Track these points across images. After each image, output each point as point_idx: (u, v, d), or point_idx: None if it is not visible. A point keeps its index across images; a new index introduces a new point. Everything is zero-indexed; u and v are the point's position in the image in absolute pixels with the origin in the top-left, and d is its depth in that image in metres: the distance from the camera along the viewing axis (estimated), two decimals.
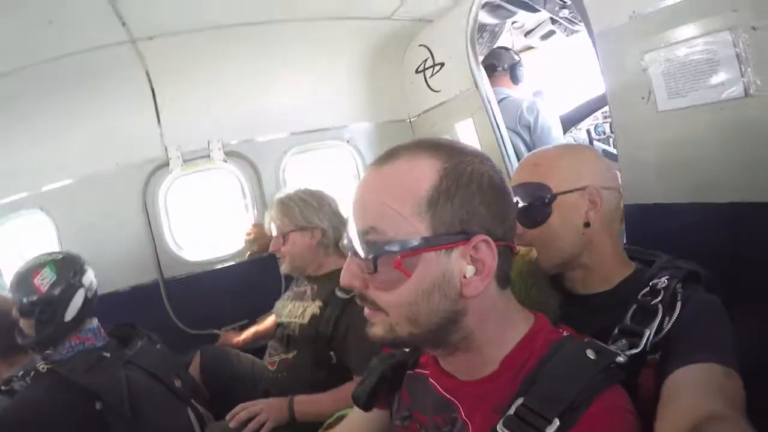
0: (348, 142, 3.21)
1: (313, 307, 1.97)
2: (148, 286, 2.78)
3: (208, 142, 2.88)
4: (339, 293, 1.90)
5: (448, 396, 0.90)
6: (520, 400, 0.78)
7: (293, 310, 2.07)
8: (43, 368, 1.68)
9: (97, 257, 2.59)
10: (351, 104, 3.21)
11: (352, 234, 0.83)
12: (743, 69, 1.33)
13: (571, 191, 1.20)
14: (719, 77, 1.39)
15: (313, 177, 3.18)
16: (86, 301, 1.81)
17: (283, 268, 2.16)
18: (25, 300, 1.73)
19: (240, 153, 2.96)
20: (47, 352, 1.75)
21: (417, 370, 1.03)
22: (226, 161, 2.92)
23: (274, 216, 2.12)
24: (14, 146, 2.62)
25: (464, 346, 0.86)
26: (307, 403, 1.89)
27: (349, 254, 0.84)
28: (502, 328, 0.87)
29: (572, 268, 1.25)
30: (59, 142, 2.66)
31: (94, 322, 1.87)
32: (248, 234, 2.86)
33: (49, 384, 1.65)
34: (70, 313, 1.76)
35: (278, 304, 2.22)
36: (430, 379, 0.96)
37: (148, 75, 2.68)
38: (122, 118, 2.73)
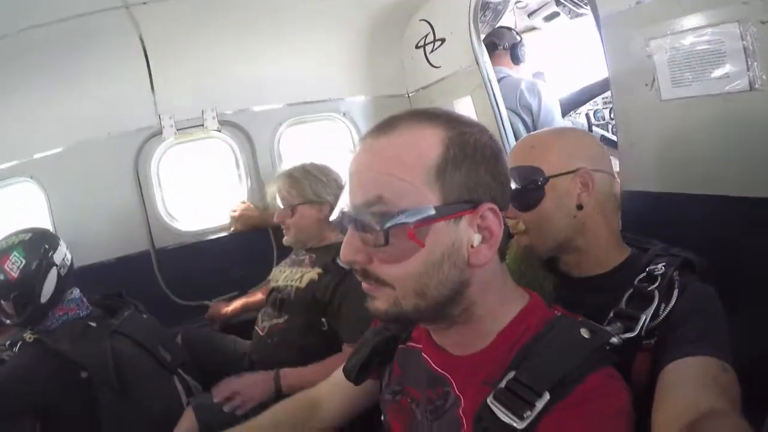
0: (344, 115, 3.17)
1: (312, 273, 2.00)
2: (139, 255, 2.77)
3: (202, 111, 2.84)
4: (339, 262, 1.88)
5: (441, 371, 0.91)
6: (511, 374, 0.78)
7: (291, 275, 2.09)
8: (29, 338, 1.71)
9: (87, 226, 2.60)
10: (348, 77, 3.16)
11: (354, 206, 0.80)
12: (749, 62, 1.31)
13: (563, 174, 1.21)
14: (725, 69, 1.37)
15: (308, 149, 3.16)
16: (60, 278, 1.81)
17: (286, 239, 2.18)
18: None
19: (234, 123, 2.92)
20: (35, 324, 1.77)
21: (409, 344, 1.03)
22: (220, 131, 2.89)
23: (282, 187, 2.14)
24: (4, 114, 2.57)
25: (464, 318, 0.86)
26: (294, 377, 1.88)
27: (350, 228, 0.82)
28: (501, 301, 0.88)
29: (566, 252, 1.26)
30: (50, 109, 2.61)
31: (76, 292, 1.88)
32: (234, 211, 2.85)
33: (35, 353, 1.67)
34: (45, 294, 1.76)
35: (275, 270, 2.25)
36: (423, 354, 0.97)
37: (141, 41, 2.63)
38: (115, 86, 2.69)
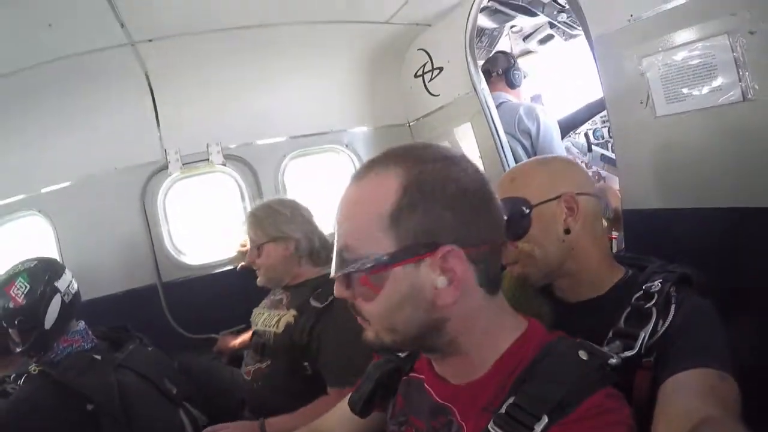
0: (347, 146, 3.21)
1: (288, 316, 1.95)
2: (147, 289, 2.77)
3: (207, 146, 2.88)
4: (313, 302, 1.88)
5: (443, 401, 0.91)
6: (511, 399, 0.79)
7: (268, 318, 2.04)
8: (34, 370, 1.70)
9: (95, 260, 2.61)
10: (350, 108, 3.21)
11: (335, 251, 0.86)
12: (741, 73, 1.33)
13: (547, 201, 1.23)
14: (717, 82, 1.40)
15: (312, 181, 3.19)
16: (65, 306, 1.82)
17: (259, 281, 2.13)
18: (4, 311, 1.75)
19: (239, 156, 2.96)
20: (39, 355, 1.77)
21: (412, 375, 1.04)
22: (225, 164, 2.92)
23: (248, 228, 2.10)
24: (13, 147, 2.62)
25: (452, 350, 0.88)
26: (279, 425, 1.84)
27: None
28: (492, 333, 0.88)
29: (560, 277, 1.27)
30: (58, 144, 2.67)
31: (81, 324, 1.89)
32: (243, 245, 2.81)
33: (41, 386, 1.66)
34: (49, 320, 1.77)
35: (255, 312, 2.20)
36: (426, 385, 0.97)
37: (147, 77, 2.69)
38: (121, 121, 2.74)
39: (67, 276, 1.89)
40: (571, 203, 1.22)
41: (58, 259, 2.56)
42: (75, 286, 1.91)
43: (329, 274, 1.99)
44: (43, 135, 2.62)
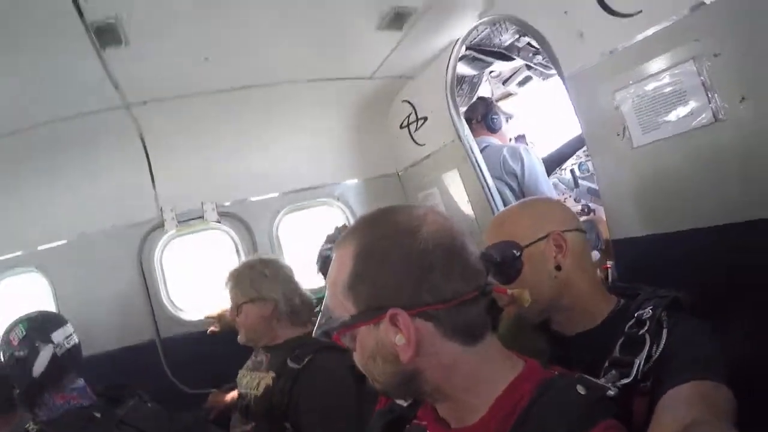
0: (338, 199, 3.26)
1: (267, 379, 1.92)
2: (145, 345, 2.76)
3: (202, 203, 2.93)
4: (291, 363, 1.85)
5: None
6: None
7: (250, 381, 2.01)
8: (31, 429, 1.68)
9: (93, 317, 2.60)
10: (340, 162, 3.28)
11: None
12: (710, 95, 1.40)
13: (536, 241, 1.27)
14: (688, 107, 1.47)
15: (305, 235, 3.20)
16: (56, 357, 1.82)
17: (240, 339, 2.10)
18: (5, 356, 1.79)
19: (233, 213, 3.00)
20: (36, 411, 1.76)
21: (415, 422, 1.04)
22: (219, 221, 2.96)
23: (228, 287, 2.08)
24: (11, 205, 2.66)
25: (441, 396, 0.90)
26: None
27: None
28: (480, 378, 0.89)
29: (556, 312, 1.30)
30: (55, 202, 2.71)
31: (80, 381, 1.87)
32: (210, 316, 2.67)
33: None
34: (38, 369, 1.78)
35: (239, 374, 2.15)
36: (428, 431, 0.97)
37: (142, 138, 2.76)
38: (117, 180, 2.80)
39: (67, 329, 1.91)
40: (559, 240, 1.27)
41: None
42: (74, 340, 1.91)
43: (308, 334, 1.97)
44: (40, 194, 2.67)
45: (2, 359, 1.80)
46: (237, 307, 2.03)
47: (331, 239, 2.28)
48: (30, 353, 1.78)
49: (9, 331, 1.83)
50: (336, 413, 1.75)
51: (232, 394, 2.46)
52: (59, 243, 2.73)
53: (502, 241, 1.29)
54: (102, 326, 2.65)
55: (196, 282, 3.01)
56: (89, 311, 2.62)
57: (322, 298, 2.42)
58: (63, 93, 2.23)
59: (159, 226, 2.86)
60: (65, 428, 1.68)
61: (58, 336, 1.86)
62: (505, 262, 1.25)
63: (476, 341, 0.88)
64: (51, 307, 2.64)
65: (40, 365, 1.78)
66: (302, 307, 2.07)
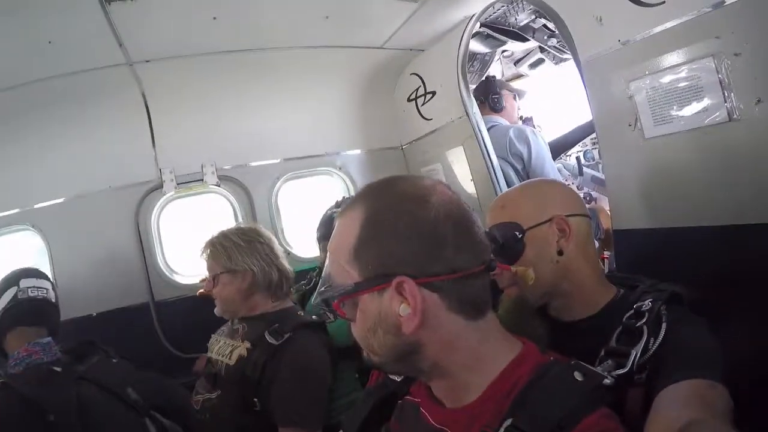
0: (340, 169, 3.24)
1: (241, 349, 1.89)
2: (139, 307, 2.76)
3: (202, 166, 2.91)
4: (269, 337, 1.82)
5: (439, 426, 0.91)
6: (508, 421, 0.79)
7: (222, 347, 1.99)
8: None
9: (87, 277, 2.60)
10: (343, 131, 3.25)
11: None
12: (726, 94, 1.37)
13: (539, 224, 1.25)
14: (703, 103, 1.44)
15: (305, 203, 3.20)
16: (15, 302, 1.84)
17: (216, 310, 2.06)
18: None
19: (233, 177, 2.98)
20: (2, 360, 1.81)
21: (408, 398, 1.04)
22: (219, 185, 2.95)
23: (206, 257, 2.05)
24: (7, 162, 2.64)
25: (438, 373, 0.90)
26: None
27: None
28: (480, 356, 0.89)
29: (555, 297, 1.28)
30: (52, 160, 2.69)
31: (47, 339, 1.87)
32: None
33: (3, 397, 1.66)
34: None
35: (212, 338, 2.13)
36: (422, 409, 0.97)
37: (144, 97, 2.73)
38: (117, 140, 2.77)
39: (41, 282, 1.93)
40: (563, 225, 1.25)
41: (50, 275, 2.55)
42: (44, 294, 1.92)
43: (287, 309, 1.93)
44: (38, 150, 2.65)
45: None
46: (213, 278, 2.00)
47: (339, 204, 2.30)
48: None
49: None
50: (307, 393, 1.76)
51: None
52: (56, 201, 2.71)
53: (504, 222, 1.28)
54: (96, 287, 2.65)
55: (193, 246, 3.00)
56: (83, 271, 2.63)
57: (313, 269, 2.41)
58: (64, 48, 2.18)
59: (158, 188, 2.85)
60: (25, 383, 1.69)
61: (26, 283, 1.89)
62: (507, 244, 1.24)
63: (479, 316, 0.89)
64: (45, 265, 2.62)
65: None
66: (281, 279, 2.02)
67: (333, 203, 2.38)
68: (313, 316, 2.00)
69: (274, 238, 2.10)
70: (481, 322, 0.89)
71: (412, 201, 0.86)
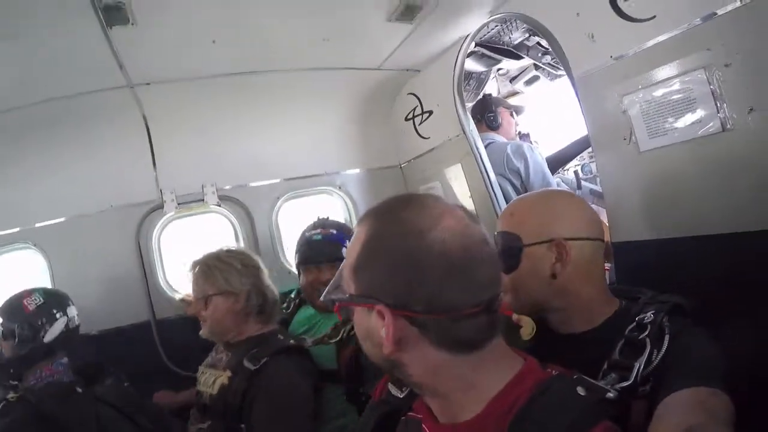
0: (340, 188, 3.25)
1: (223, 378, 1.88)
2: (140, 326, 2.75)
3: (203, 186, 2.92)
4: (246, 363, 1.81)
5: None
6: None
7: (207, 378, 1.97)
8: (12, 398, 1.71)
9: (89, 295, 2.59)
10: (342, 151, 3.27)
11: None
12: (719, 105, 1.40)
13: (538, 243, 1.25)
14: (697, 115, 1.47)
15: (306, 222, 3.21)
16: (65, 331, 1.91)
17: (203, 332, 2.02)
18: (9, 322, 1.86)
19: (233, 197, 2.99)
20: (13, 382, 1.83)
21: (410, 415, 1.04)
22: (219, 205, 2.96)
23: (195, 278, 2.01)
24: (9, 182, 2.66)
25: (426, 392, 0.91)
26: None
27: None
28: (468, 384, 0.88)
29: (547, 312, 1.28)
30: (54, 180, 2.70)
31: (65, 358, 1.91)
32: (188, 296, 2.50)
33: (21, 413, 1.66)
34: (50, 336, 1.87)
35: (200, 369, 2.10)
36: (423, 425, 0.97)
37: (144, 119, 2.75)
38: (118, 160, 2.79)
39: (74, 310, 2.01)
40: (561, 249, 1.23)
41: None
42: (77, 321, 1.99)
43: (271, 332, 1.96)
44: (40, 170, 2.67)
45: (6, 325, 1.87)
46: (205, 299, 1.96)
47: (316, 226, 2.29)
48: (48, 319, 1.89)
49: (22, 296, 1.91)
50: (287, 419, 1.74)
51: (185, 394, 2.38)
52: (57, 221, 2.72)
53: (508, 231, 1.28)
54: (97, 305, 2.64)
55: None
56: (85, 290, 2.60)
57: (291, 291, 2.38)
58: (66, 71, 2.21)
59: (158, 208, 2.86)
60: (48, 398, 1.71)
61: (72, 311, 1.98)
62: (505, 254, 1.24)
63: (470, 352, 0.87)
64: (47, 284, 2.61)
65: (53, 333, 1.88)
66: (270, 302, 2.03)
67: (311, 224, 2.36)
68: (291, 341, 1.98)
69: (261, 262, 2.10)
70: (473, 355, 0.87)
71: (410, 233, 0.85)
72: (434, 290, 0.82)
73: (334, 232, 2.24)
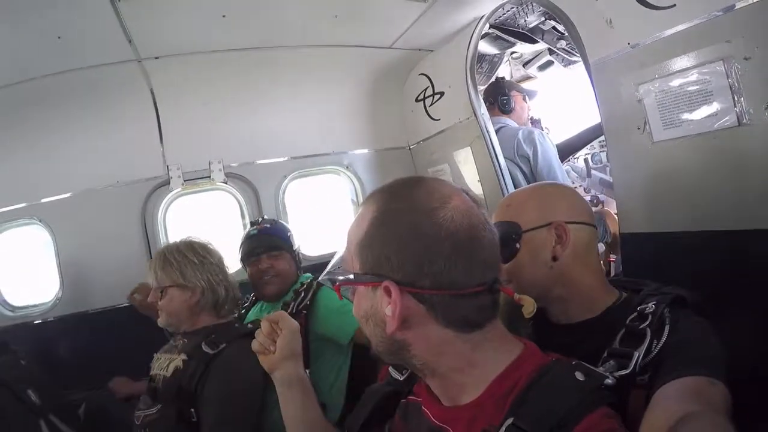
0: (347, 167, 3.24)
1: (178, 360, 1.85)
2: None
3: (209, 163, 2.91)
4: (205, 347, 1.80)
5: (440, 424, 0.92)
6: (509, 420, 0.80)
7: (162, 362, 1.93)
8: None
9: (94, 271, 2.60)
10: (351, 130, 3.25)
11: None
12: (736, 99, 1.37)
13: (537, 228, 1.25)
14: (713, 107, 1.43)
15: (312, 201, 3.22)
16: None
17: (160, 321, 2.00)
18: None
19: (240, 175, 2.99)
20: None
21: (410, 398, 1.04)
22: (226, 182, 2.95)
23: (154, 267, 1.98)
24: (15, 156, 2.66)
25: (429, 372, 0.91)
26: None
27: None
28: (471, 362, 0.88)
29: (549, 302, 1.27)
30: (60, 155, 2.70)
31: None
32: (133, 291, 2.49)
33: None
34: None
35: (154, 357, 2.04)
36: (423, 408, 0.97)
37: (152, 94, 2.74)
38: (125, 135, 2.78)
39: None
40: (561, 231, 1.24)
41: (56, 268, 2.62)
42: None
43: (228, 323, 1.96)
44: (46, 145, 2.66)
45: None
46: (161, 290, 1.95)
47: (253, 224, 2.34)
48: None
49: None
50: (237, 406, 1.73)
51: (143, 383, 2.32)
52: (63, 196, 2.72)
53: (505, 220, 1.28)
54: (101, 282, 2.66)
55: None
56: (90, 266, 2.64)
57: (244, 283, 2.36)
58: (74, 43, 2.19)
59: (165, 184, 2.85)
60: None
61: None
62: (503, 242, 1.23)
63: (472, 330, 0.88)
64: (52, 260, 2.65)
65: None
66: (227, 298, 2.00)
67: (253, 222, 2.39)
68: (249, 325, 1.98)
69: (223, 256, 2.06)
70: (475, 333, 0.88)
71: (420, 211, 0.86)
72: (442, 267, 0.83)
73: (268, 226, 2.30)
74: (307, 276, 2.26)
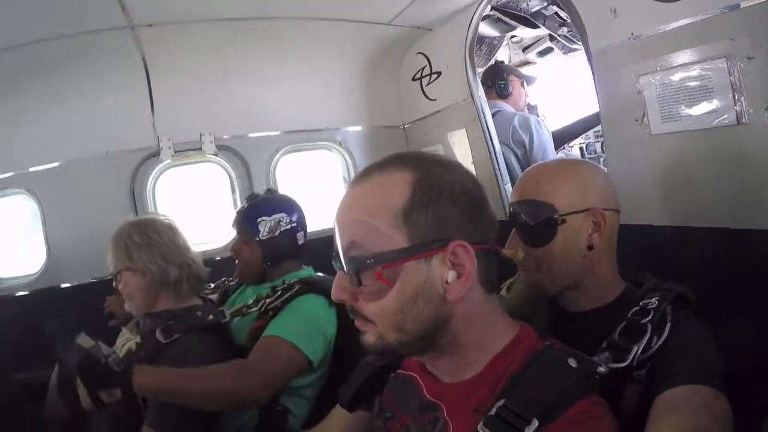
0: (340, 144, 3.22)
1: (131, 343, 1.84)
2: None
3: (201, 135, 2.86)
4: (158, 335, 1.73)
5: (433, 398, 0.92)
6: (501, 402, 0.80)
7: (121, 340, 1.92)
8: None
9: (82, 243, 2.57)
10: (345, 107, 3.22)
11: (336, 251, 0.87)
12: (737, 97, 1.36)
13: (575, 212, 1.17)
14: (713, 104, 1.42)
15: (303, 177, 3.20)
16: None
17: (125, 307, 1.93)
18: None
19: (231, 147, 2.95)
20: None
21: (400, 372, 1.04)
22: (217, 155, 2.91)
23: (108, 252, 1.91)
24: (2, 124, 2.60)
25: (451, 349, 0.88)
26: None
27: (338, 270, 0.87)
28: (487, 333, 0.89)
29: (571, 289, 1.22)
30: (49, 123, 2.63)
31: None
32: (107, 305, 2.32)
33: None
34: None
35: (122, 330, 2.03)
36: (416, 382, 0.98)
37: (144, 62, 2.67)
38: (115, 105, 2.71)
39: None
40: (599, 219, 1.17)
41: (43, 239, 2.59)
42: None
43: (190, 308, 1.87)
44: (34, 113, 2.60)
45: None
46: (116, 275, 1.89)
47: (247, 199, 2.20)
48: None
49: None
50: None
51: None
52: (51, 165, 2.67)
53: (538, 200, 1.19)
54: (89, 253, 2.56)
55: (188, 215, 2.99)
56: (77, 237, 2.60)
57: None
58: (65, 8, 2.13)
59: (155, 155, 2.81)
60: None
61: None
62: (538, 226, 1.17)
63: (491, 291, 0.91)
64: (39, 230, 2.62)
65: None
66: (181, 278, 1.90)
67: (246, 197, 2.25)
68: (210, 316, 1.88)
69: (177, 231, 1.97)
70: (492, 296, 0.91)
71: (455, 171, 0.88)
72: (483, 222, 0.87)
73: (246, 205, 2.15)
74: (305, 273, 2.07)
